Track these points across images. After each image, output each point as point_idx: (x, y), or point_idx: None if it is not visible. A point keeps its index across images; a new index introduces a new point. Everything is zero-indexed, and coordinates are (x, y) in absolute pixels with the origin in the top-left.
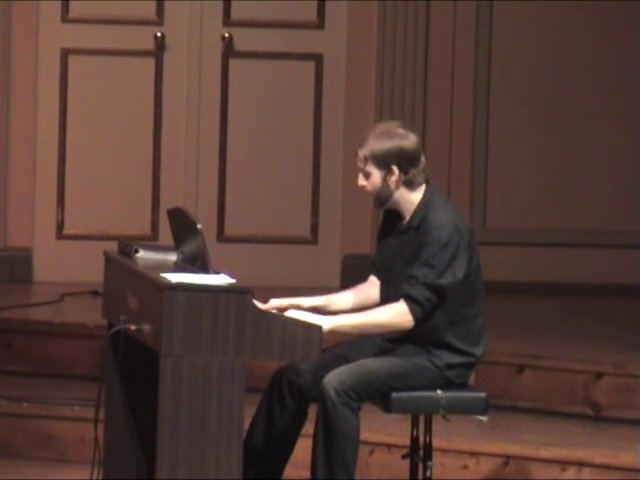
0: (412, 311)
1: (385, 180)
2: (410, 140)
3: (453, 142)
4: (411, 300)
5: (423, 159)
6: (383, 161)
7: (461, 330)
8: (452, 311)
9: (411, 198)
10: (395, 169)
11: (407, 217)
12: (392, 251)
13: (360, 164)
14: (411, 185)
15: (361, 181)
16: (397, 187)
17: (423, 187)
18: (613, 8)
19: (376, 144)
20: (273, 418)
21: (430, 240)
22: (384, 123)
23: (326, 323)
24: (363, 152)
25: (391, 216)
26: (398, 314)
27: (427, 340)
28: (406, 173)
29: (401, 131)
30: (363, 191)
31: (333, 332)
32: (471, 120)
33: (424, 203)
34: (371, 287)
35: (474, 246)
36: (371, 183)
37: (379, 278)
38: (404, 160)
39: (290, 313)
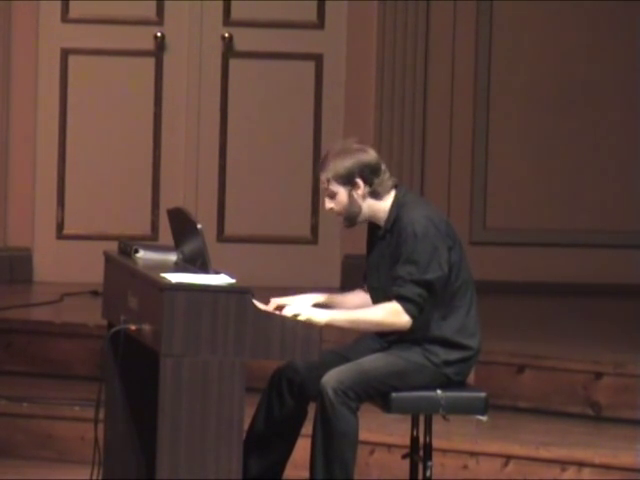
0: (407, 310)
1: (351, 196)
2: (369, 153)
3: (453, 142)
4: (403, 299)
5: (384, 168)
6: (347, 178)
7: (455, 323)
8: (443, 304)
9: (381, 206)
10: (360, 182)
11: (382, 224)
12: (375, 260)
13: (324, 186)
14: (377, 195)
15: (328, 204)
16: (364, 199)
17: (392, 193)
18: (613, 8)
19: (337, 163)
20: (273, 417)
21: (406, 237)
22: (340, 142)
23: (323, 316)
24: (326, 174)
25: (371, 227)
26: (393, 314)
27: (423, 337)
28: (370, 184)
29: (358, 146)
30: (331, 214)
31: (329, 325)
32: (471, 120)
33: (395, 205)
34: (366, 295)
35: (453, 236)
36: (338, 202)
37: (368, 288)
38: (367, 172)
39: (289, 305)
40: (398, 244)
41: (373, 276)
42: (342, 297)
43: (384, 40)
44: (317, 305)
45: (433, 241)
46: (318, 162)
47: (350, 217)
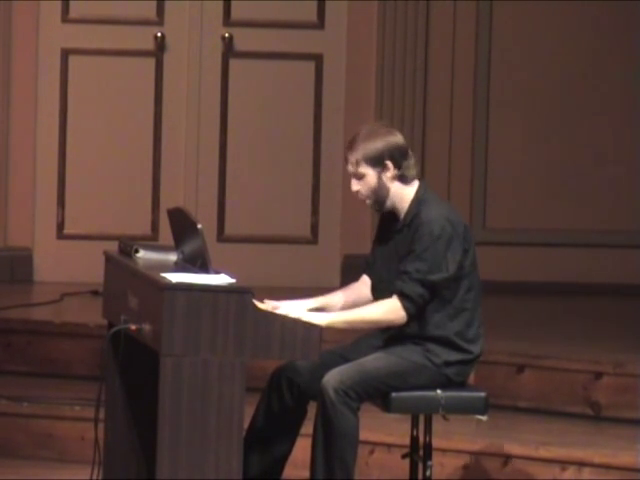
0: (405, 307)
1: (380, 178)
2: (397, 136)
3: (453, 142)
4: (404, 297)
5: (411, 153)
6: (377, 159)
7: (459, 325)
8: (450, 306)
9: (406, 194)
10: (389, 164)
11: (402, 216)
12: (388, 252)
13: (352, 168)
14: (405, 179)
15: (355, 186)
16: (392, 182)
17: (416, 184)
18: (613, 8)
19: (367, 144)
20: (272, 416)
21: (422, 234)
22: (368, 125)
23: (320, 320)
24: (355, 156)
25: (387, 218)
26: (391, 310)
27: (425, 337)
28: (399, 167)
29: (386, 129)
30: (358, 197)
31: (327, 328)
32: (471, 120)
33: (417, 200)
34: (363, 286)
35: (470, 240)
36: (366, 184)
37: (372, 278)
38: (397, 154)
39: (285, 310)
40: (413, 240)
41: (382, 267)
42: (335, 298)
43: (384, 40)
44: (311, 310)
45: (447, 243)
46: (318, 162)
47: (379, 200)
